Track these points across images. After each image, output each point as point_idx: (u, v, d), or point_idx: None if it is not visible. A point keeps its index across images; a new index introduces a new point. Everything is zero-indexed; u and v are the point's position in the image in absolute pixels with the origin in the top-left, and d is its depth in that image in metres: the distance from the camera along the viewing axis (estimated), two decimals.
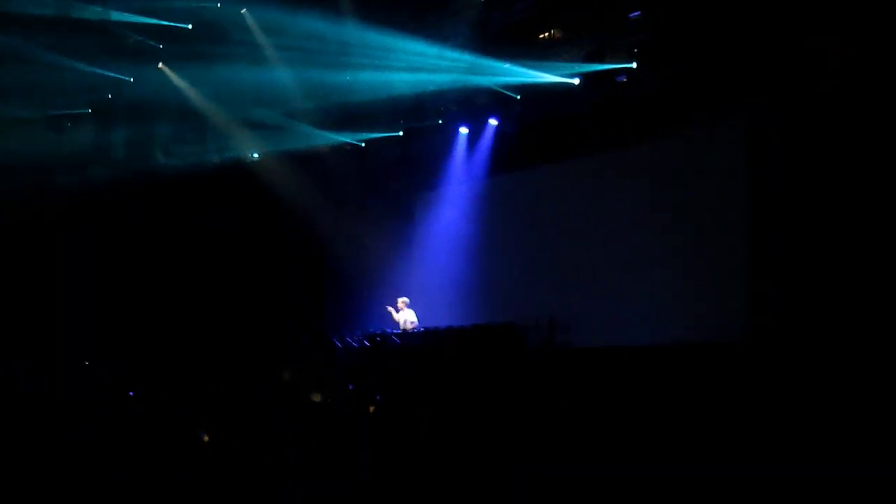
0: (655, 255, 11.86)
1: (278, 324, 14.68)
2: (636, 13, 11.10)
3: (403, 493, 5.85)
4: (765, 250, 10.58)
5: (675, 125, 11.71)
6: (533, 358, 11.50)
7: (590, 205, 12.99)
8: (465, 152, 14.51)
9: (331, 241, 15.18)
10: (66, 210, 14.14)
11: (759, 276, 10.59)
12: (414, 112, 14.03)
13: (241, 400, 8.96)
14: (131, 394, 9.91)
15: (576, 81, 12.01)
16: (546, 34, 12.25)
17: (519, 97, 12.87)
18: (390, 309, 13.16)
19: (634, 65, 11.48)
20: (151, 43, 12.56)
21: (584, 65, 11.83)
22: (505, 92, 12.85)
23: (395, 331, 12.91)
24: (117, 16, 11.64)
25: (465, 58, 12.04)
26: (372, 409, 8.48)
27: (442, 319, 13.12)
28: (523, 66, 12.05)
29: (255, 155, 15.48)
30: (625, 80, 11.68)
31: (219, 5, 11.73)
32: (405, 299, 13.25)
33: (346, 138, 14.84)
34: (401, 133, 14.52)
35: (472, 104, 13.63)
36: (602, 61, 11.66)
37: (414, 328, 12.97)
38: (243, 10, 12.09)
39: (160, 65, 13.14)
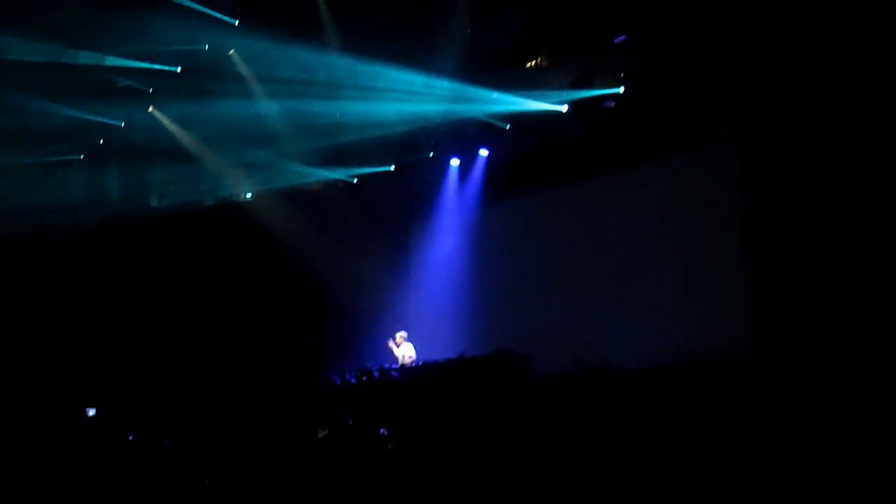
0: (652, 276, 11.81)
1: (277, 363, 14.57)
2: (621, 38, 11.20)
3: (404, 493, 5.80)
4: (764, 258, 10.48)
5: (667, 146, 11.72)
6: (535, 386, 11.39)
7: (585, 229, 12.96)
8: (458, 183, 14.57)
9: (327, 276, 15.13)
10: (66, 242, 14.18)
11: (759, 292, 10.52)
12: (405, 146, 14.11)
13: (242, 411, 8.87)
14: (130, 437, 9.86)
15: (563, 108, 12.10)
16: (533, 62, 12.37)
17: (508, 126, 12.94)
18: (391, 345, 13.14)
19: (622, 89, 11.56)
20: (140, 87, 12.66)
21: (572, 91, 11.95)
22: (494, 122, 12.93)
23: (393, 365, 12.86)
24: (111, 60, 11.73)
25: (454, 87, 12.14)
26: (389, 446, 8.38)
27: (440, 351, 13.03)
28: (512, 94, 12.14)
29: (249, 195, 15.51)
30: (612, 105, 11.77)
31: (207, 48, 11.84)
32: (403, 333, 13.21)
33: (338, 175, 14.90)
34: (392, 168, 14.60)
35: (462, 135, 13.70)
36: (590, 87, 11.76)
37: (412, 362, 12.93)
38: (231, 52, 12.20)
39: (150, 108, 13.23)
